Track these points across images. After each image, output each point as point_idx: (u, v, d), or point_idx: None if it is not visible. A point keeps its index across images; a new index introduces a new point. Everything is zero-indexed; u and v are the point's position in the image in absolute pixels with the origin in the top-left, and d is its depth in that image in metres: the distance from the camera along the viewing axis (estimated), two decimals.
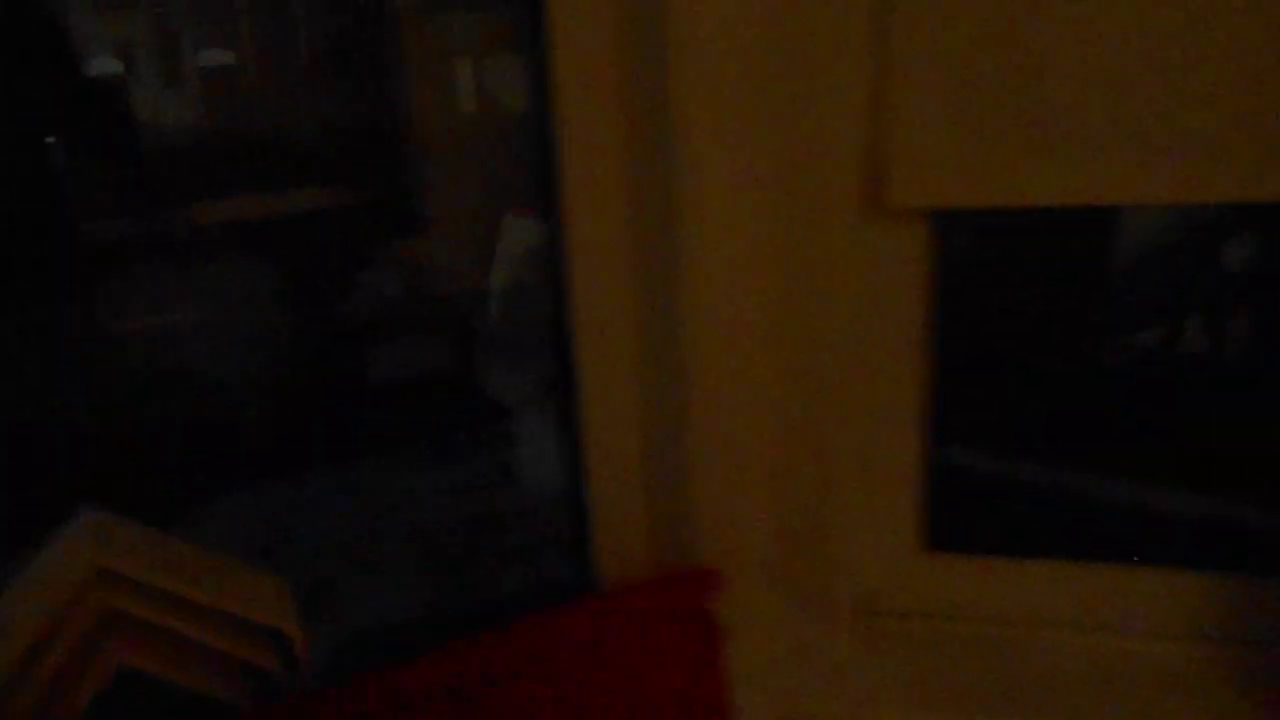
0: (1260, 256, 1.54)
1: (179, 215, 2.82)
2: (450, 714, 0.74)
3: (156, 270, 2.75)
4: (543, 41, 0.91)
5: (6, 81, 2.39)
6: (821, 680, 0.97)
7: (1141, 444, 1.37)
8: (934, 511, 1.05)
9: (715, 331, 0.90)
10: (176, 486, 2.40)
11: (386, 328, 2.60)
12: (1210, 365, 1.58)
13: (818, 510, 0.97)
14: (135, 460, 2.45)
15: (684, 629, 0.80)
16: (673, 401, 0.93)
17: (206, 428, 2.54)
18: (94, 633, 0.72)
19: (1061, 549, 1.04)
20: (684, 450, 0.93)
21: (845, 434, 0.96)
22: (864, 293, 0.94)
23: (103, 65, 2.93)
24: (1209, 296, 1.57)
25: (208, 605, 0.75)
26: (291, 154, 2.93)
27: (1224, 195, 0.81)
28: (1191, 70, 0.78)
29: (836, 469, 0.96)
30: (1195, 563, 0.99)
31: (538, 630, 0.78)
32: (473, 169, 2.72)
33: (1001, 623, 1.02)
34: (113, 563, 0.72)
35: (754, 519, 0.96)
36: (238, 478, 2.38)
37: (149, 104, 3.18)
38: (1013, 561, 1.03)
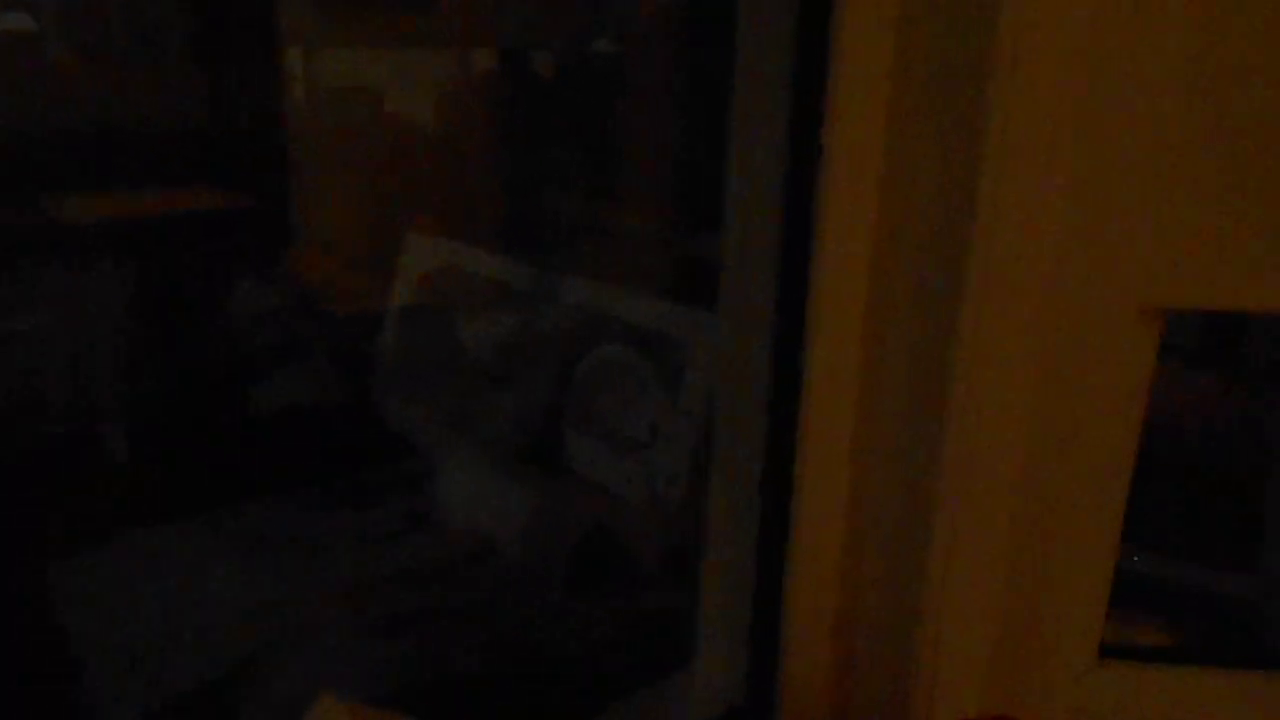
0: None
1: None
2: None
3: None
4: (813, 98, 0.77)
5: None
6: None
7: None
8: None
9: (974, 465, 0.80)
10: (11, 544, 2.00)
11: (263, 350, 2.31)
12: None
13: (1035, 631, 0.89)
14: None
15: None
16: (912, 535, 0.82)
17: (47, 469, 2.16)
18: None
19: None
20: (922, 589, 0.83)
21: (1069, 547, 0.88)
22: (1111, 400, 0.86)
23: None
24: None
25: None
26: (124, 147, 2.54)
27: None
28: None
29: (1053, 583, 0.89)
30: None
31: None
32: (367, 176, 2.46)
33: None
34: None
35: (980, 649, 0.87)
36: (96, 529, 2.03)
37: None
38: (1190, 670, 0.98)
